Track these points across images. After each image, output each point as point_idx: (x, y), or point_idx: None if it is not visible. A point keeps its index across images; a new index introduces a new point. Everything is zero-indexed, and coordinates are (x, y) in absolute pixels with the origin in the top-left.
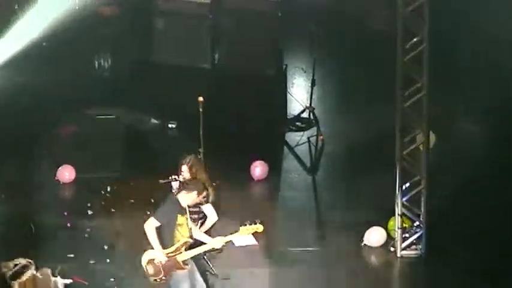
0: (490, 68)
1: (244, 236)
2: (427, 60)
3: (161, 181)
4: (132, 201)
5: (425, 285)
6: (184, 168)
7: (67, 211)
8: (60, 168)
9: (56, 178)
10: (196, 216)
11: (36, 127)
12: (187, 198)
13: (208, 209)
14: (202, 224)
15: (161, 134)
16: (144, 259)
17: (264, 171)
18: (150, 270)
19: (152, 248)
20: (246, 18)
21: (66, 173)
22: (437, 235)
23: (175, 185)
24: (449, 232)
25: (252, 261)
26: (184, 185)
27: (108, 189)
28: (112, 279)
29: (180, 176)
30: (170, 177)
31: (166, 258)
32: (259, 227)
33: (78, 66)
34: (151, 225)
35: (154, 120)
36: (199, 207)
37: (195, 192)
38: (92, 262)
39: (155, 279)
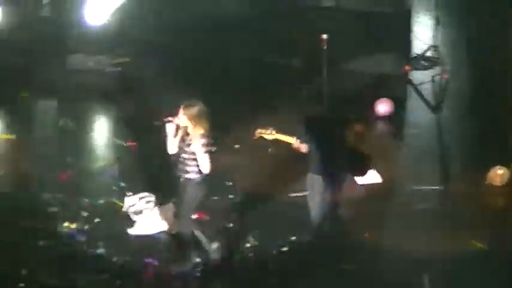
0: None
1: (368, 175)
2: None
3: (156, 122)
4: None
5: None
6: (182, 110)
7: None
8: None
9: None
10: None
11: None
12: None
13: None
14: None
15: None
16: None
17: (389, 108)
18: None
19: None
20: None
21: None
22: None
23: (170, 128)
24: None
25: (375, 200)
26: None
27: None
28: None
29: (176, 119)
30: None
31: None
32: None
33: None
34: None
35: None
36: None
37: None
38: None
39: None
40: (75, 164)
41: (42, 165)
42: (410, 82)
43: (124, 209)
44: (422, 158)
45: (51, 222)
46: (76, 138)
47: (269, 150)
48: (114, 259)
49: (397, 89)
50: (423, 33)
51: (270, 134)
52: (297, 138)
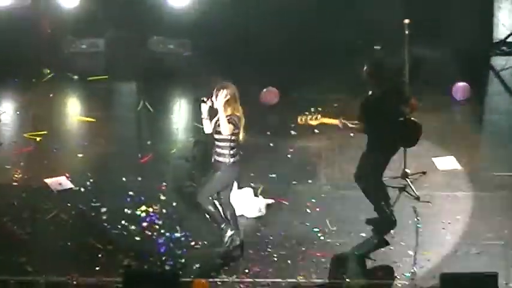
0: None
1: (447, 160)
2: None
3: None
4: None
5: None
6: (217, 92)
7: (270, 131)
8: (265, 90)
9: (261, 100)
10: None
11: None
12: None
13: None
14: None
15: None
16: None
17: (467, 92)
18: None
19: None
20: None
21: (271, 96)
22: None
23: (204, 108)
24: None
25: (454, 185)
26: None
27: (312, 109)
28: (313, 200)
29: (209, 101)
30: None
31: None
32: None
33: None
34: None
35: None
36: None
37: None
38: (294, 183)
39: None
40: (154, 147)
41: (121, 148)
42: (491, 67)
43: None
44: (502, 144)
45: (129, 205)
46: (155, 121)
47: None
48: (192, 243)
49: (477, 73)
50: (505, 18)
51: (315, 119)
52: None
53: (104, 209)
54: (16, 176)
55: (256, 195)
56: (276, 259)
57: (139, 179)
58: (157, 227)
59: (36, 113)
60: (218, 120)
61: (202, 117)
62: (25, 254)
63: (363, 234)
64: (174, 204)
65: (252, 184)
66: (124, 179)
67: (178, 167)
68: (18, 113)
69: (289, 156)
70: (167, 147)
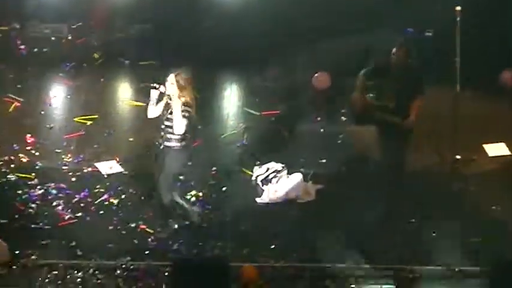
0: None
1: (498, 147)
2: None
3: (142, 85)
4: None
5: None
6: (171, 78)
7: (320, 117)
8: (316, 75)
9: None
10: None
11: None
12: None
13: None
14: None
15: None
16: None
17: None
18: None
19: None
20: None
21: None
22: None
23: (154, 94)
24: None
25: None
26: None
27: None
28: None
29: (162, 87)
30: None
31: None
32: None
33: None
34: None
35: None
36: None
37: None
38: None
39: None
40: (205, 132)
41: None
42: None
43: (253, 178)
44: None
45: (179, 190)
46: (207, 107)
47: None
48: (242, 227)
49: None
50: None
51: None
52: None
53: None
54: (67, 160)
55: (306, 180)
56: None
57: (189, 163)
58: (206, 212)
59: (87, 98)
60: (170, 107)
61: (150, 103)
62: (74, 238)
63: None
64: (224, 189)
65: (302, 169)
66: None
67: (228, 152)
68: (68, 97)
69: (339, 142)
70: (217, 132)
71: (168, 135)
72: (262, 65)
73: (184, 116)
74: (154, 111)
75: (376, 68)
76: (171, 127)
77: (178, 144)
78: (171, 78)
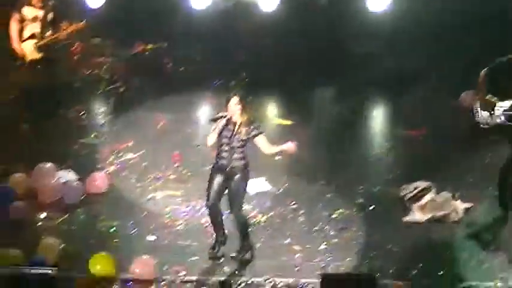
0: None
1: None
2: None
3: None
4: None
5: None
6: (235, 101)
7: None
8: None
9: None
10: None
11: None
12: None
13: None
14: None
15: None
16: None
17: None
18: None
19: None
20: None
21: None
22: None
23: (221, 123)
24: None
25: None
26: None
27: None
28: None
29: (225, 112)
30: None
31: None
32: None
33: None
34: None
35: None
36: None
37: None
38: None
39: None
40: (353, 151)
41: (317, 152)
42: None
43: (400, 197)
44: None
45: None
46: (353, 126)
47: None
48: (389, 246)
49: None
50: None
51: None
52: None
53: (301, 211)
54: None
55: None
56: None
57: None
58: (353, 229)
59: None
60: (229, 125)
61: (215, 130)
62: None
63: None
64: (371, 207)
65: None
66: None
67: (375, 169)
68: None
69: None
70: (365, 152)
71: (236, 155)
72: (408, 85)
73: (257, 134)
74: (214, 138)
75: (499, 67)
76: (237, 148)
77: (242, 163)
78: (229, 102)
